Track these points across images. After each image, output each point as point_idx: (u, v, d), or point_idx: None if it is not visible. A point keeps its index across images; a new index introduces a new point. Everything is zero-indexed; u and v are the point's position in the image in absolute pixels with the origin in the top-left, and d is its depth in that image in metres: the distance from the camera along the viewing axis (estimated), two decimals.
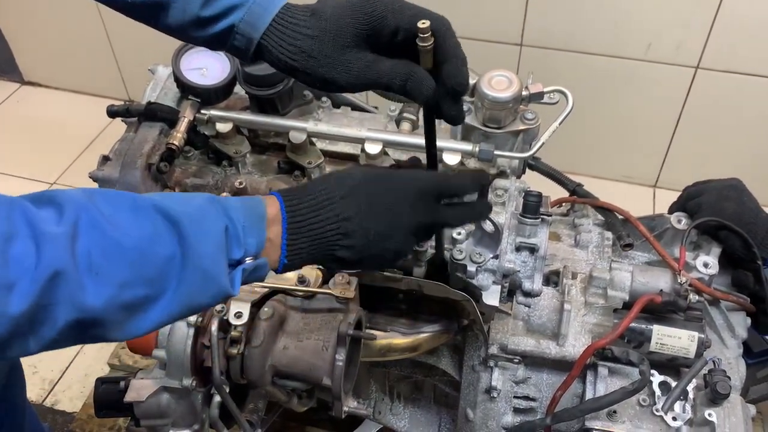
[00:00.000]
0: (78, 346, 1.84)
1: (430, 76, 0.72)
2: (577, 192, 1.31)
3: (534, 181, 1.26)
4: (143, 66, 1.22)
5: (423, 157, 0.90)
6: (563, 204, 1.34)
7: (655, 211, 2.09)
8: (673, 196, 1.28)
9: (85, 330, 0.58)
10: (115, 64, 2.48)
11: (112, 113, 1.13)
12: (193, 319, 0.89)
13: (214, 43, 0.78)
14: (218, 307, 0.91)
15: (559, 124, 0.96)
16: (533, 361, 1.10)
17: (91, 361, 1.81)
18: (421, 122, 1.10)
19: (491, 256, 0.94)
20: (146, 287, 0.60)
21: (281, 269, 0.71)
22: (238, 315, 0.90)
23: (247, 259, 0.67)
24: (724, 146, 2.05)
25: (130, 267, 0.59)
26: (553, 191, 1.31)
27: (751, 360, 1.24)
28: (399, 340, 1.08)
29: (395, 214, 0.73)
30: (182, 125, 1.05)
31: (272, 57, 0.75)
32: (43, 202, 0.58)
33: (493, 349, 1.08)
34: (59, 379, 1.78)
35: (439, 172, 0.79)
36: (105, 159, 1.08)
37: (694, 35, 1.84)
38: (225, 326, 0.92)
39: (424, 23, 0.68)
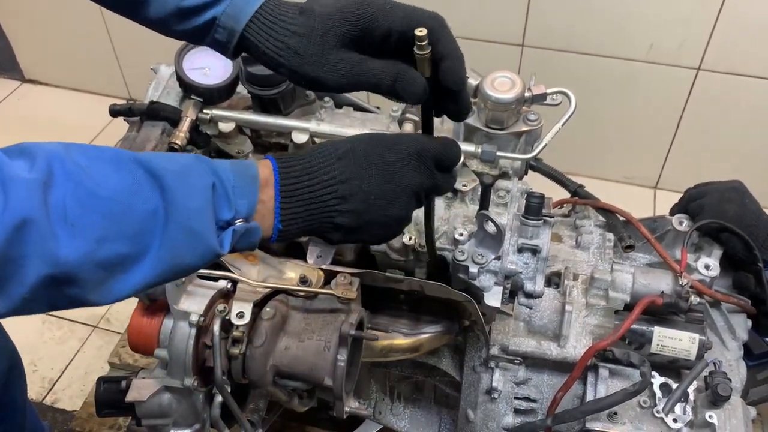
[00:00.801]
0: (78, 344, 1.84)
1: (421, 76, 0.70)
2: (578, 193, 1.31)
3: (535, 182, 1.26)
4: (144, 64, 1.21)
5: None
6: (565, 205, 1.34)
7: (655, 212, 2.10)
8: (674, 198, 1.28)
9: (59, 288, 0.54)
10: (116, 62, 2.48)
11: (115, 112, 1.13)
12: (195, 318, 0.89)
13: (196, 36, 0.75)
14: (220, 307, 0.91)
15: (562, 125, 0.96)
16: (534, 362, 1.10)
17: (91, 360, 1.81)
18: None
19: (493, 257, 0.94)
20: (126, 244, 0.57)
21: (276, 236, 0.67)
22: (240, 315, 0.90)
23: (237, 221, 0.63)
24: (725, 148, 2.05)
25: (108, 220, 0.56)
26: (555, 192, 1.31)
27: (751, 362, 1.24)
28: (400, 340, 1.08)
29: (397, 174, 0.69)
30: (184, 125, 1.05)
31: (258, 51, 0.72)
32: (15, 153, 0.55)
33: (494, 350, 1.08)
34: (59, 378, 1.78)
35: (436, 138, 0.76)
36: None
37: (695, 36, 1.84)
38: (227, 326, 0.92)
39: (421, 31, 0.66)
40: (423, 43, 0.66)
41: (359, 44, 0.71)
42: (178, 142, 1.03)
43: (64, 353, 1.83)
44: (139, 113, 1.10)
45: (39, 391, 1.75)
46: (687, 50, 1.87)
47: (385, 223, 0.71)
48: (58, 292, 0.55)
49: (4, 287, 0.52)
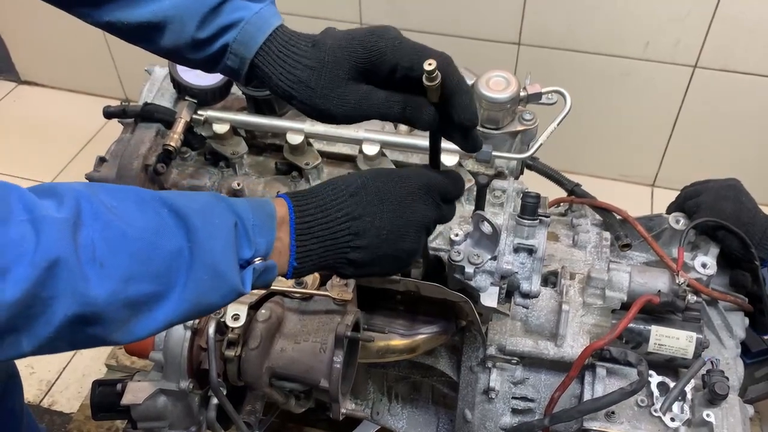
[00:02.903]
0: None
1: (428, 102, 0.71)
2: (575, 192, 1.31)
3: (532, 180, 1.26)
4: (140, 65, 1.21)
5: None
6: (561, 204, 1.34)
7: (653, 210, 2.10)
8: (671, 195, 1.28)
9: (83, 328, 0.54)
10: (113, 63, 2.47)
11: (109, 114, 1.12)
12: (190, 321, 0.89)
13: (209, 64, 0.76)
14: None
15: (557, 124, 0.96)
16: (531, 362, 1.10)
17: (89, 362, 1.80)
18: None
19: (489, 257, 0.94)
20: (153, 283, 0.57)
21: (291, 273, 0.69)
22: (236, 317, 0.90)
23: (257, 259, 0.64)
24: (722, 145, 2.05)
25: (136, 259, 0.56)
26: (552, 191, 1.31)
27: (749, 359, 1.24)
28: (397, 341, 1.07)
29: (407, 209, 0.71)
30: (179, 126, 1.04)
31: (271, 83, 0.74)
32: (43, 192, 0.55)
33: (491, 350, 1.08)
34: (56, 380, 1.78)
35: (441, 172, 0.78)
36: (101, 160, 1.07)
37: (692, 34, 1.84)
38: (222, 328, 0.92)
39: (430, 64, 0.66)
40: (433, 75, 0.67)
41: (367, 76, 0.72)
42: (172, 143, 1.02)
43: (61, 355, 1.82)
44: (133, 115, 1.10)
45: (36, 394, 1.74)
46: (683, 48, 1.87)
47: (397, 257, 0.72)
48: (81, 332, 0.55)
49: (32, 326, 0.52)
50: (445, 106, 0.71)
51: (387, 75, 0.71)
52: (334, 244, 0.69)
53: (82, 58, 2.50)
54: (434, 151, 0.78)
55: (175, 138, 1.03)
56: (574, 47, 1.94)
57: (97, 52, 2.44)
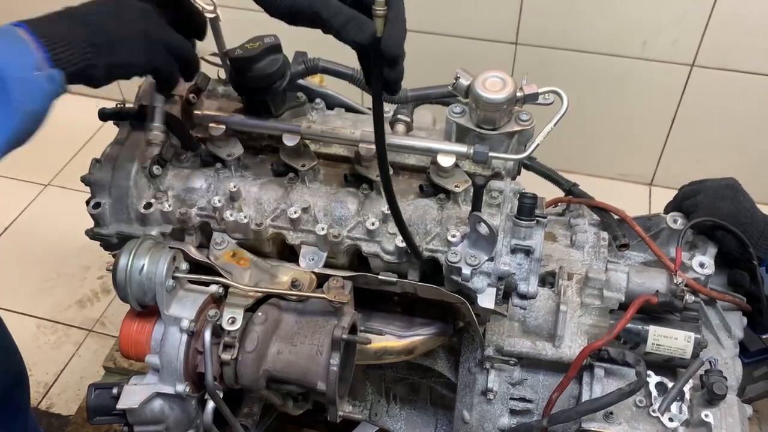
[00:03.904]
0: (73, 349, 1.83)
1: (373, 25, 0.73)
2: (572, 192, 1.30)
3: (530, 181, 1.25)
4: None
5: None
6: (559, 204, 1.33)
7: (651, 209, 2.10)
8: (670, 194, 1.28)
9: None
10: None
11: (104, 116, 1.12)
12: (186, 324, 0.89)
13: None
14: (211, 313, 0.91)
15: (554, 125, 0.96)
16: (529, 363, 1.10)
17: (87, 364, 1.80)
18: (415, 124, 1.10)
19: (486, 258, 0.93)
20: None
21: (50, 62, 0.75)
22: (232, 320, 0.90)
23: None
24: (720, 144, 2.05)
25: None
26: (550, 191, 1.31)
27: (747, 359, 1.24)
28: (394, 343, 1.07)
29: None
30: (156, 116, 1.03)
31: None
32: None
33: (489, 351, 1.08)
34: (54, 382, 1.77)
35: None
36: (96, 162, 1.07)
37: (689, 33, 1.84)
38: (218, 331, 0.91)
39: None
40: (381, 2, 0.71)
41: None
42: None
43: (59, 358, 1.82)
44: (128, 117, 1.10)
45: (34, 396, 1.73)
46: (681, 47, 1.87)
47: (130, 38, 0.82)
48: None
49: None
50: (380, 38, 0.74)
51: None
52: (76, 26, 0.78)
53: None
54: (367, 72, 0.82)
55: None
56: (571, 47, 1.94)
57: None
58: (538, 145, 0.97)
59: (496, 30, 1.96)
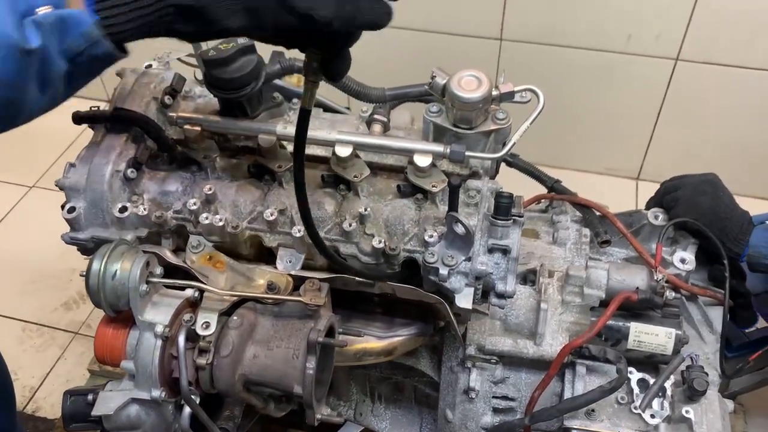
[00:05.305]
0: (58, 352, 1.82)
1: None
2: (555, 188, 1.30)
3: (512, 177, 1.25)
4: (122, 66, 1.19)
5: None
6: (542, 201, 1.33)
7: (638, 203, 2.10)
8: (656, 189, 1.27)
9: None
10: None
11: (78, 119, 1.11)
12: (160, 329, 0.88)
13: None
14: (186, 317, 0.90)
15: (530, 123, 0.95)
16: (511, 361, 1.09)
17: (72, 367, 1.79)
18: (392, 123, 1.09)
19: (463, 258, 0.93)
20: None
21: (102, 32, 0.57)
22: (206, 325, 0.89)
23: (39, 9, 0.54)
24: (705, 137, 2.04)
25: None
26: (532, 188, 1.30)
27: (731, 353, 1.24)
28: (374, 344, 1.07)
29: None
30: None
31: None
32: None
33: (471, 350, 1.07)
34: (40, 386, 1.76)
35: None
36: (71, 166, 1.06)
37: (673, 26, 1.83)
38: (193, 336, 0.90)
39: None
40: None
41: None
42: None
43: (45, 361, 1.81)
44: (103, 120, 1.08)
45: (20, 400, 1.72)
46: (665, 41, 1.86)
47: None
48: None
49: None
50: None
51: None
52: None
53: None
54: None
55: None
56: (556, 42, 1.93)
57: None
58: (514, 143, 0.96)
59: (481, 26, 1.95)
